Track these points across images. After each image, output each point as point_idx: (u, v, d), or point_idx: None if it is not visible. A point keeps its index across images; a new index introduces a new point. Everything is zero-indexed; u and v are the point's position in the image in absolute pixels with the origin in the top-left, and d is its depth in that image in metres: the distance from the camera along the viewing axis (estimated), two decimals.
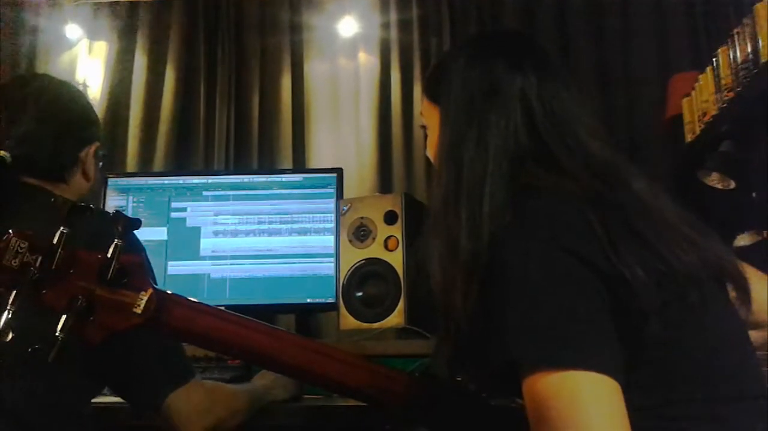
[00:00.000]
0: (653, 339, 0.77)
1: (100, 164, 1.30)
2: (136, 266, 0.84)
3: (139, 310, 0.83)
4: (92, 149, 1.26)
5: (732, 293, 0.90)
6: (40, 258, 0.78)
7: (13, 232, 0.78)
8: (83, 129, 1.25)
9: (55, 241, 0.79)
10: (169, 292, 0.89)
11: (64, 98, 1.23)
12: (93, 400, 1.16)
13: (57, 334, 0.77)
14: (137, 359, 1.08)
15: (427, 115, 1.06)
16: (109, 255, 0.82)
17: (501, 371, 0.82)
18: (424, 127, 1.09)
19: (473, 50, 1.03)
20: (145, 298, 0.83)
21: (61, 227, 0.80)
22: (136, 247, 1.09)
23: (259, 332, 0.93)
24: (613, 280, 0.76)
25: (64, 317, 0.78)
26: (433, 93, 1.05)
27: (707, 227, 0.89)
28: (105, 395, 1.20)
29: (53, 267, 0.79)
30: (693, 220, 0.88)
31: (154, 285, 0.86)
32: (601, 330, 0.75)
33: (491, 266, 0.82)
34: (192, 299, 0.92)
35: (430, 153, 1.06)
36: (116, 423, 1.26)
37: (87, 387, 1.11)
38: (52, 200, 0.90)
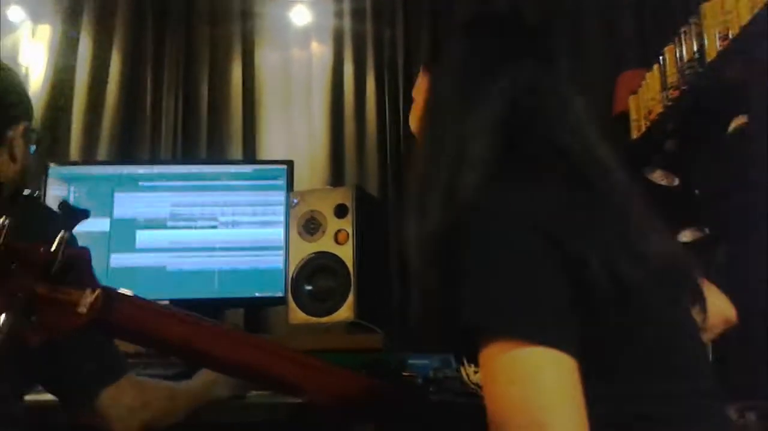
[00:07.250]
0: (611, 330, 0.77)
1: (32, 147, 1.24)
2: (82, 261, 0.79)
3: (83, 309, 0.77)
4: (20, 128, 1.18)
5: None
6: None
7: None
8: (8, 107, 1.18)
9: None
10: (116, 290, 0.85)
11: None
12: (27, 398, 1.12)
13: None
14: (68, 355, 1.05)
15: (419, 85, 1.05)
16: (53, 249, 0.76)
17: (463, 340, 0.79)
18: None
19: (473, 23, 1.04)
20: (91, 297, 0.78)
21: (2, 218, 0.74)
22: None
23: (213, 333, 0.90)
24: (579, 265, 0.75)
25: (2, 317, 0.73)
26: (427, 61, 1.06)
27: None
28: (39, 392, 1.16)
29: None
30: (655, 214, 0.89)
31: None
32: (564, 309, 0.73)
33: (463, 233, 0.79)
34: (140, 297, 0.88)
35: (413, 123, 1.05)
36: (52, 423, 1.22)
37: (17, 385, 1.07)
38: None
